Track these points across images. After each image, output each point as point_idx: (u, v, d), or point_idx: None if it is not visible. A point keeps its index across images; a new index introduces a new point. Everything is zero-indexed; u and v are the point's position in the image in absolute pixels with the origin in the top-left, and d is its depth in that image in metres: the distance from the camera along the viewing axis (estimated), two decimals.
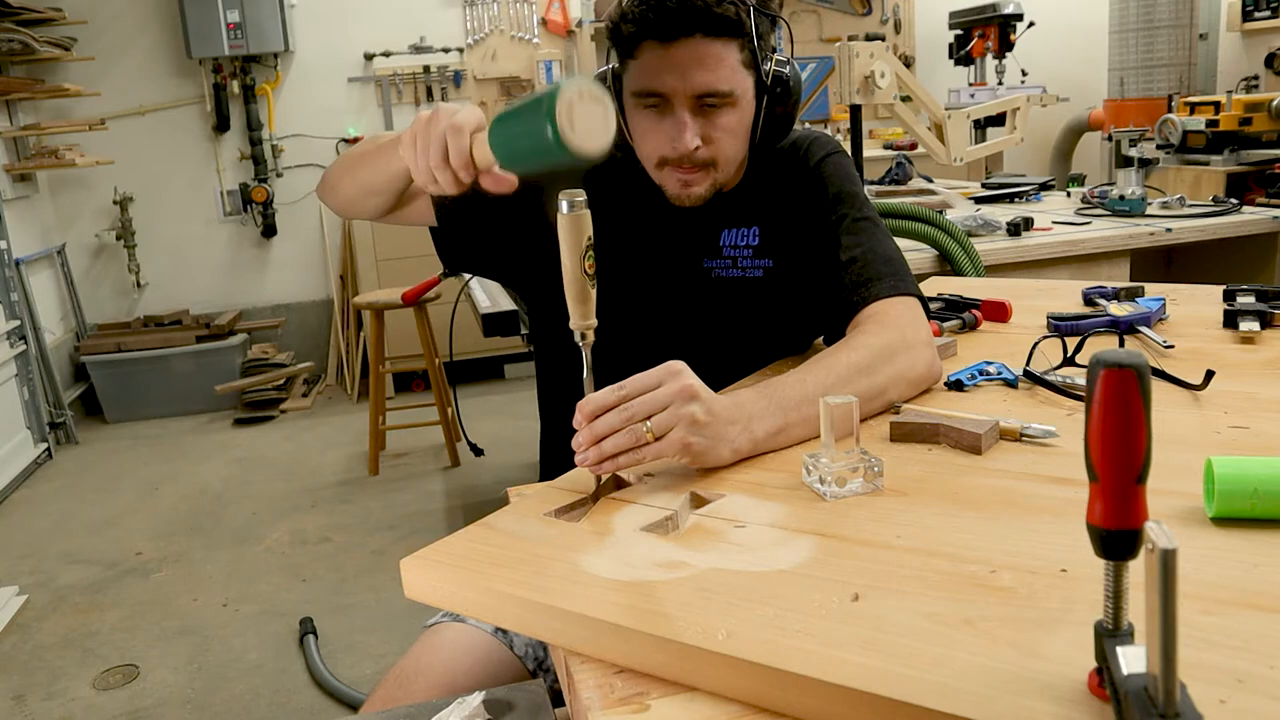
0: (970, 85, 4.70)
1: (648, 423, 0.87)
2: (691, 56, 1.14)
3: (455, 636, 1.10)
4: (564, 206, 0.85)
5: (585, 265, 0.87)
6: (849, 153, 1.78)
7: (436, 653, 1.09)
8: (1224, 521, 0.76)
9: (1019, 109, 2.98)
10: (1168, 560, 0.46)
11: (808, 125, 1.63)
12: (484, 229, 1.27)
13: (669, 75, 1.15)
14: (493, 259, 1.34)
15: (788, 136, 1.32)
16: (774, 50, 1.23)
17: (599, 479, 0.90)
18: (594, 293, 0.88)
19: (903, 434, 0.99)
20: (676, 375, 0.90)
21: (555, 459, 1.36)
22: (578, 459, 0.88)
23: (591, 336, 0.90)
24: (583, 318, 0.89)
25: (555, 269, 0.87)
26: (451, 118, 0.89)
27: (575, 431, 0.90)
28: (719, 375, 1.17)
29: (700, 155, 1.18)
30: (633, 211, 1.29)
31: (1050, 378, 1.12)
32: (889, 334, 1.11)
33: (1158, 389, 1.05)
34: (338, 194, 1.25)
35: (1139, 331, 1.30)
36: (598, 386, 0.91)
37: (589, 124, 0.80)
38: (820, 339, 1.37)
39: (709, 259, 1.29)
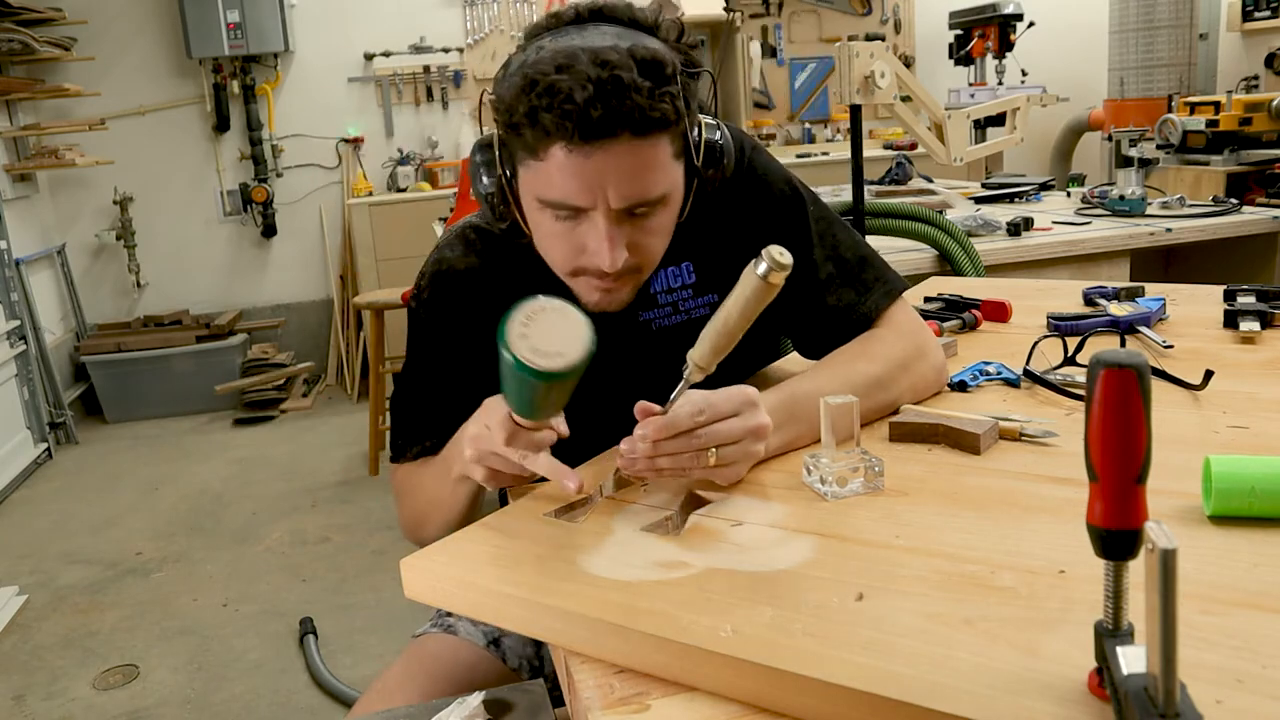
0: (970, 85, 4.70)
1: (714, 450, 0.86)
2: (617, 165, 0.90)
3: (440, 649, 1.09)
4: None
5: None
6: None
7: (422, 663, 1.07)
8: (1223, 521, 0.76)
9: (1019, 109, 2.98)
10: (1168, 560, 0.46)
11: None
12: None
13: (587, 188, 0.91)
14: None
15: None
16: (700, 109, 1.02)
17: (615, 472, 0.90)
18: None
19: (903, 434, 0.99)
20: (754, 410, 0.88)
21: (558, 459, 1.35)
22: (622, 462, 0.86)
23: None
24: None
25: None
26: (475, 429, 0.90)
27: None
28: None
29: (626, 265, 0.96)
30: (550, 282, 1.04)
31: (1050, 378, 1.12)
32: (903, 343, 1.09)
33: (1158, 389, 1.05)
34: (431, 537, 1.04)
35: (1139, 331, 1.30)
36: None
37: (554, 337, 0.76)
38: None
39: (645, 311, 1.13)
